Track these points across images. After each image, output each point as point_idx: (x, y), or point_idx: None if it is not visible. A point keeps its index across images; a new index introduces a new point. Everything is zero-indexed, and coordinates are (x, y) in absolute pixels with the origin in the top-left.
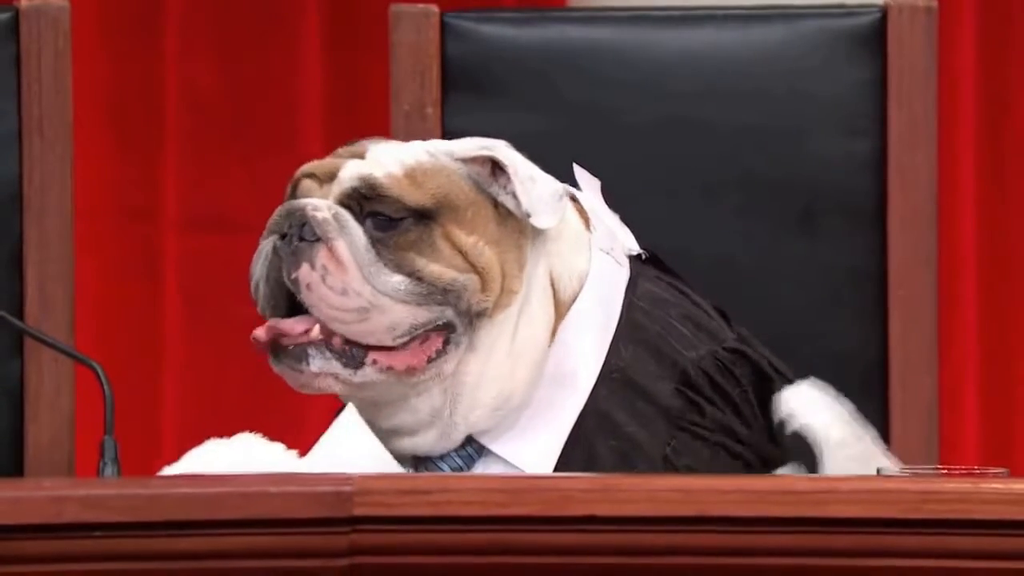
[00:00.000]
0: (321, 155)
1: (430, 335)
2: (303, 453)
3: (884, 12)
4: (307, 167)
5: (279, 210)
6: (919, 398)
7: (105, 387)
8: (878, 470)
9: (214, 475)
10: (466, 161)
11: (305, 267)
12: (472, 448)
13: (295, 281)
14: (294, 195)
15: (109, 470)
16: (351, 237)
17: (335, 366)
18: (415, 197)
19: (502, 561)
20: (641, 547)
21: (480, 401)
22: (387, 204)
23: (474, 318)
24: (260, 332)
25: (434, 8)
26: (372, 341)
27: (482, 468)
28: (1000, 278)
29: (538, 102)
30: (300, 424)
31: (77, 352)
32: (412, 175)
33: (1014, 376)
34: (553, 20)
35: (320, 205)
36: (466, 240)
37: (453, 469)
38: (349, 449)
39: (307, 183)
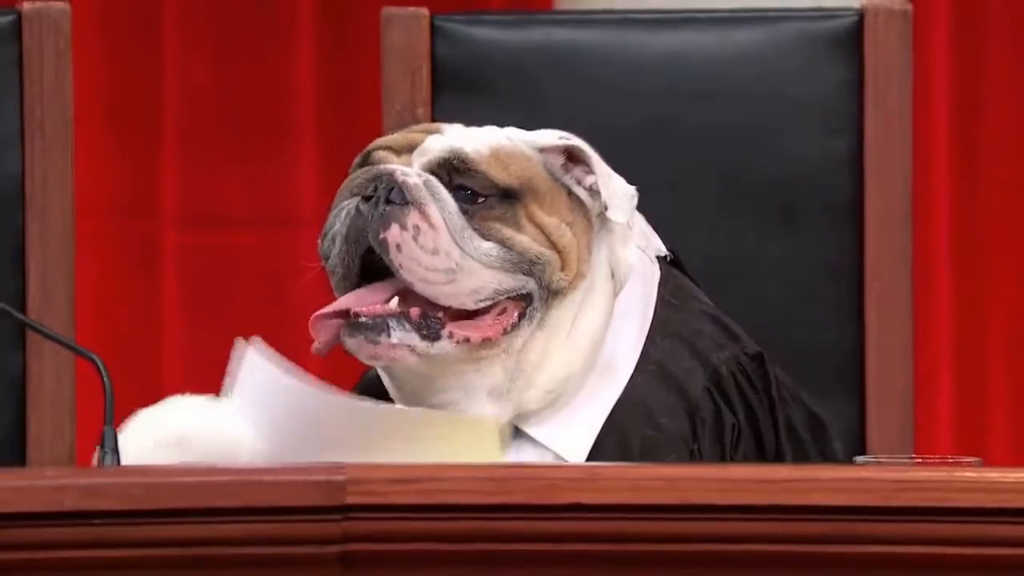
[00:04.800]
0: (314, 153)
1: (507, 306)
2: None
3: (861, 15)
4: (379, 140)
5: (361, 174)
6: (894, 390)
7: (105, 379)
8: (855, 459)
9: (210, 465)
10: (543, 150)
11: (395, 228)
12: (507, 431)
13: (383, 242)
14: (366, 164)
15: (109, 460)
16: (443, 202)
17: (413, 338)
18: (501, 176)
19: (491, 548)
20: (626, 534)
21: (537, 381)
22: (475, 179)
23: (550, 295)
24: (329, 309)
25: (424, 11)
26: (454, 304)
27: (515, 451)
28: (973, 273)
29: (525, 102)
30: None
31: (77, 345)
32: (497, 155)
33: (987, 368)
34: (539, 23)
35: (409, 171)
36: (548, 220)
37: None
38: (262, 382)
39: (382, 153)
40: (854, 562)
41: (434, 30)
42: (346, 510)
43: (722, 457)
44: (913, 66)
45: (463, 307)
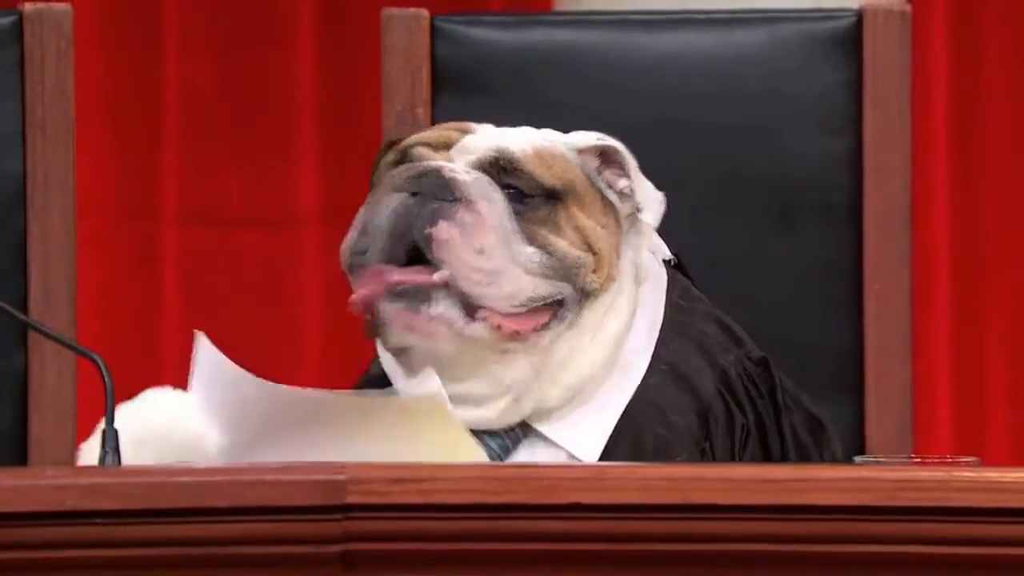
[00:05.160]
0: (315, 153)
1: (540, 308)
2: None
3: (860, 16)
4: (413, 137)
5: (404, 170)
6: (893, 389)
7: (106, 378)
8: (854, 458)
9: (211, 465)
10: (581, 151)
11: (443, 224)
12: (519, 429)
13: (429, 237)
14: (404, 161)
15: (110, 459)
16: (495, 202)
17: (454, 314)
18: (546, 176)
19: (491, 548)
20: (627, 534)
21: (560, 379)
22: (522, 179)
23: (583, 297)
24: (368, 280)
25: (424, 12)
26: (489, 305)
27: (527, 450)
28: (972, 273)
29: (524, 102)
30: None
31: (78, 345)
32: (541, 155)
33: (985, 368)
34: (539, 23)
35: (458, 168)
36: (586, 222)
37: (499, 448)
38: (216, 375)
39: (421, 150)
40: (854, 562)
41: (434, 31)
42: (347, 509)
43: (732, 456)
44: (912, 66)
45: (496, 310)
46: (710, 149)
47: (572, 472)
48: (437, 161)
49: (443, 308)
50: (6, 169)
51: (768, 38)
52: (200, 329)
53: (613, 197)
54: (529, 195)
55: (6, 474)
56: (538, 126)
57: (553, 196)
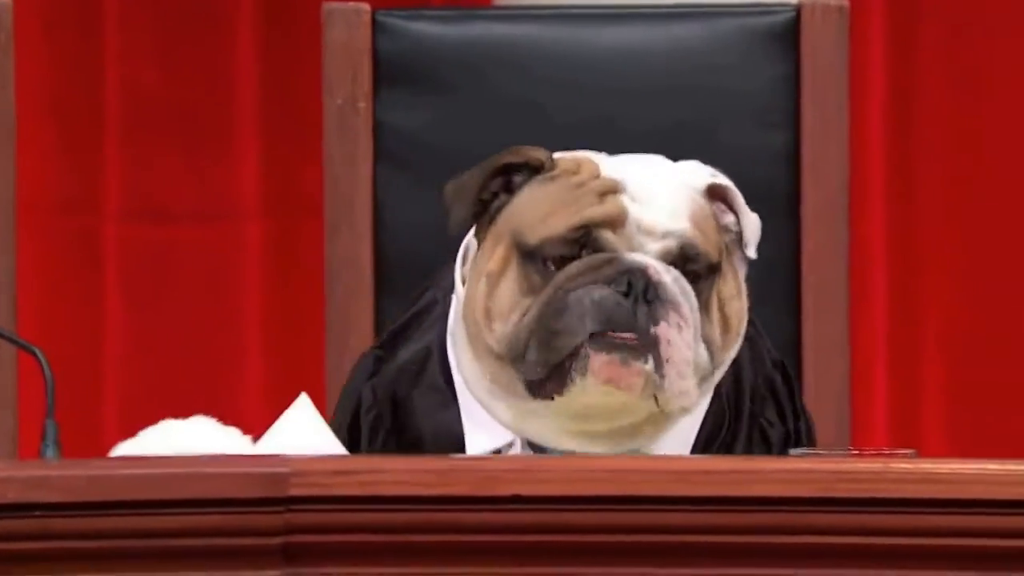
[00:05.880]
0: (257, 148)
1: None
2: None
3: (798, 11)
4: (591, 215)
5: (602, 260)
6: (831, 382)
7: (46, 372)
8: (792, 451)
9: (153, 456)
10: (705, 194)
11: (663, 324)
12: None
13: (654, 337)
14: (588, 243)
15: (50, 452)
16: (691, 301)
17: (657, 375)
18: (712, 253)
19: (432, 539)
20: (566, 526)
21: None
22: (698, 263)
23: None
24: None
25: (365, 6)
26: (684, 403)
27: None
28: (908, 267)
29: (465, 97)
30: (236, 414)
31: (19, 338)
32: (699, 225)
33: (922, 361)
34: (480, 18)
35: (660, 268)
36: (725, 293)
37: None
38: (300, 436)
39: (607, 235)
40: (792, 553)
41: (375, 25)
42: (289, 502)
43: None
44: (849, 62)
45: (683, 407)
46: (649, 144)
47: (511, 464)
48: (638, 259)
49: (651, 367)
50: None
51: (707, 33)
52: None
53: (725, 237)
54: (702, 276)
55: None
56: (480, 121)
57: (714, 270)
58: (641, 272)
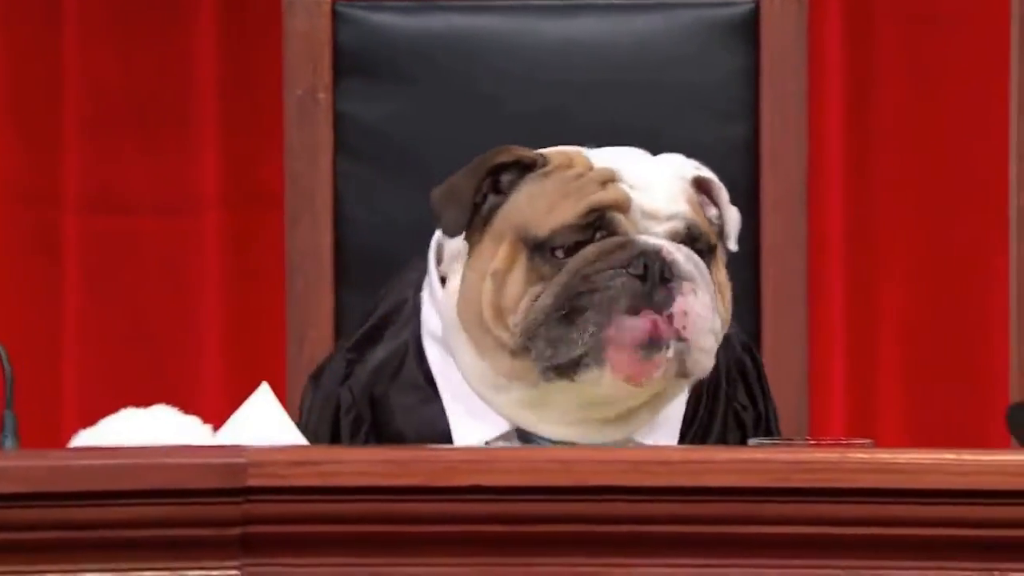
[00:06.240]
0: (216, 139)
1: None
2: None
3: (757, 3)
4: (598, 199)
5: (615, 244)
6: (789, 373)
7: (5, 363)
8: (750, 440)
9: (111, 447)
10: (693, 184)
11: (680, 299)
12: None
13: (670, 315)
14: (601, 225)
15: (9, 443)
16: (704, 277)
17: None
18: (711, 234)
19: (390, 530)
20: (523, 516)
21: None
22: (702, 242)
23: None
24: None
25: None
26: (701, 374)
27: None
28: (866, 258)
29: (425, 88)
30: (196, 406)
31: None
32: (693, 207)
33: (879, 352)
34: (440, 9)
35: (671, 248)
36: (720, 276)
37: None
38: (260, 425)
39: (618, 216)
40: (749, 542)
41: (336, 16)
42: (247, 492)
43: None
44: (808, 54)
45: (704, 368)
46: (607, 136)
47: (469, 455)
48: (651, 241)
49: (672, 354)
50: None
51: (666, 25)
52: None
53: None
54: (704, 256)
55: None
56: (440, 111)
57: (713, 253)
58: (656, 253)
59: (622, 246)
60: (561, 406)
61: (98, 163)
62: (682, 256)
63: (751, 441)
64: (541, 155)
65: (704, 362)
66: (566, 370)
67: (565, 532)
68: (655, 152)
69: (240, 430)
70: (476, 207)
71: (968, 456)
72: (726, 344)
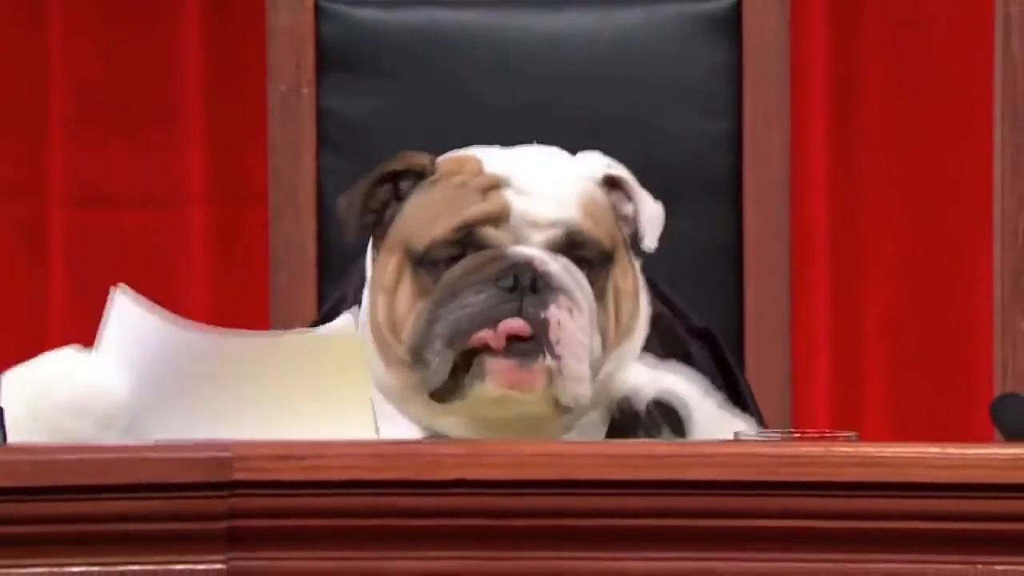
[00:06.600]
0: (201, 133)
1: None
2: None
3: None
4: (471, 213)
5: (486, 258)
6: (773, 367)
7: None
8: (736, 434)
9: (97, 443)
10: (602, 183)
11: (553, 308)
12: None
13: (544, 321)
14: (471, 242)
15: None
16: (583, 288)
17: (555, 369)
18: (605, 241)
19: (376, 523)
20: (508, 510)
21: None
22: (589, 249)
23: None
24: (494, 338)
25: None
26: (579, 390)
27: None
28: (849, 252)
29: (408, 83)
30: None
31: None
32: (590, 212)
33: (863, 346)
34: (423, 4)
35: (546, 258)
36: (621, 284)
37: None
38: (131, 328)
39: (489, 231)
40: (735, 536)
41: (319, 11)
42: (233, 486)
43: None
44: (791, 48)
45: (576, 397)
46: (590, 131)
47: (454, 449)
48: (524, 252)
49: (550, 362)
50: None
51: (648, 20)
52: (85, 307)
53: (624, 229)
54: (594, 264)
55: None
56: (423, 107)
57: (608, 259)
58: (526, 264)
59: (493, 259)
60: (467, 414)
61: (83, 158)
62: (558, 267)
63: (736, 435)
64: (432, 162)
65: (578, 391)
66: (451, 392)
67: (552, 526)
68: (637, 147)
69: (114, 341)
70: (379, 215)
71: (953, 450)
72: (668, 342)
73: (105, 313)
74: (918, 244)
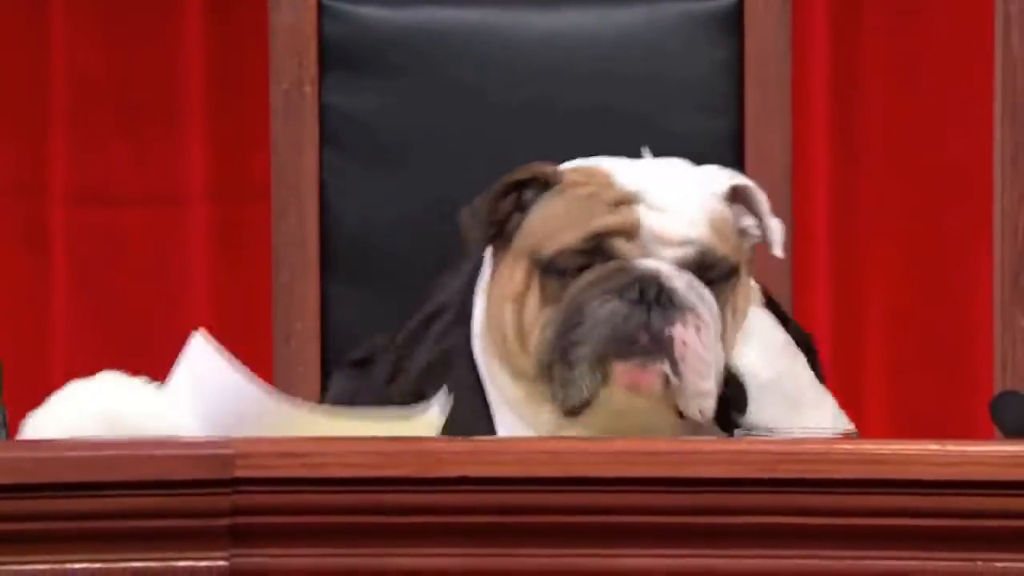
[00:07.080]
0: (203, 131)
1: None
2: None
3: None
4: (602, 224)
5: (613, 269)
6: None
7: None
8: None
9: (100, 439)
10: (726, 198)
11: (679, 325)
12: None
13: (669, 338)
14: (600, 253)
15: None
16: (709, 305)
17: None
18: (731, 258)
19: (378, 520)
20: (511, 506)
21: None
22: (717, 269)
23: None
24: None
25: None
26: (703, 405)
27: None
28: (851, 251)
29: (411, 81)
30: None
31: None
32: (719, 232)
33: (863, 344)
34: (426, 2)
35: (673, 274)
36: (740, 303)
37: None
38: (207, 375)
39: (619, 243)
40: (735, 533)
41: (321, 9)
42: (235, 483)
43: None
44: (792, 46)
45: (701, 410)
46: (591, 128)
47: (457, 446)
48: (650, 265)
49: (668, 368)
50: None
51: (649, 17)
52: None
53: (744, 244)
54: (720, 281)
55: None
56: (425, 105)
57: (734, 274)
58: (653, 278)
59: (621, 270)
60: (593, 425)
61: (85, 155)
62: (683, 283)
63: (738, 432)
64: (556, 172)
65: (703, 404)
66: (580, 408)
67: (554, 523)
68: (637, 145)
69: (186, 384)
70: (501, 226)
71: (953, 447)
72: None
73: (181, 355)
74: (918, 242)
